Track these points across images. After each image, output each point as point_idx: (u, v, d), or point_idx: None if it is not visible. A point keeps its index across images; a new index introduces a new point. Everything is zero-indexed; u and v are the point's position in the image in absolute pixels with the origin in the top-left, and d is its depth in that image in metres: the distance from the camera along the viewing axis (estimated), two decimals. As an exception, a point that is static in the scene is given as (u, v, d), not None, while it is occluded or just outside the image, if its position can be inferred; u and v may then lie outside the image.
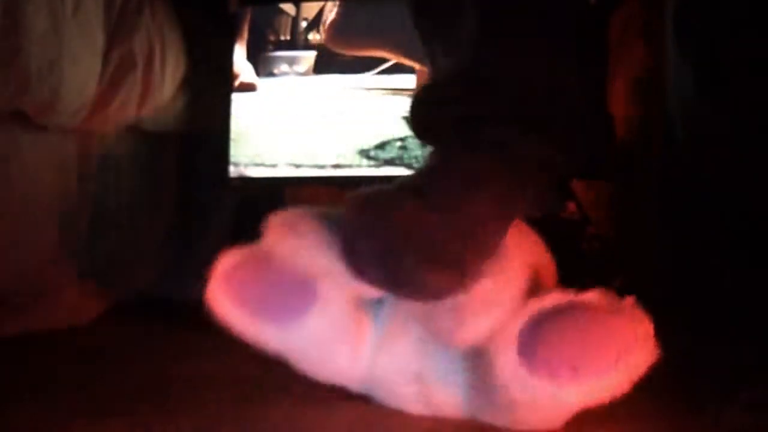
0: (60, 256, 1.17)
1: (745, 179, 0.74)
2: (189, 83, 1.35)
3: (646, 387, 0.69)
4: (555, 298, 0.59)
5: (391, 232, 0.58)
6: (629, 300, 0.59)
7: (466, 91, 0.70)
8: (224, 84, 1.38)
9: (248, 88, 1.42)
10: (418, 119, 0.76)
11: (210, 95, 1.40)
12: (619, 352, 0.56)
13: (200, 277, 1.57)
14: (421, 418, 0.68)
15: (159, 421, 0.69)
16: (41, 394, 0.80)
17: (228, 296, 0.67)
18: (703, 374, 0.71)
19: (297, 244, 0.64)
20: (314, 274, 0.64)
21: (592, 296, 0.59)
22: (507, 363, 0.56)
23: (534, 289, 0.63)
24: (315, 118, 1.37)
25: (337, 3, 1.41)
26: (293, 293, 0.65)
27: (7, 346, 1.01)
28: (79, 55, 1.06)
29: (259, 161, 1.38)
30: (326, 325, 0.64)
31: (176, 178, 1.44)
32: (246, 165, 1.38)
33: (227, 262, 0.67)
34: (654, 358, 0.57)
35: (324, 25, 1.41)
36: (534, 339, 0.56)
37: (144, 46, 1.21)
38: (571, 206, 1.35)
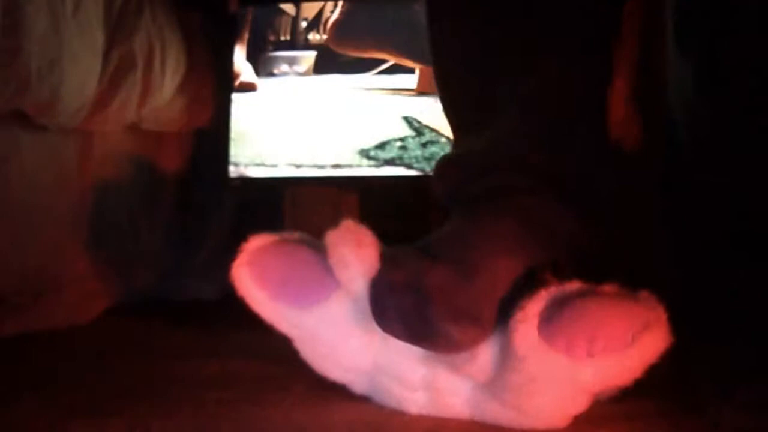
0: (60, 256, 1.17)
1: (745, 179, 0.74)
2: (189, 83, 1.35)
3: (646, 387, 0.69)
4: (575, 284, 0.62)
5: (419, 296, 0.62)
6: (644, 292, 0.61)
7: (503, 165, 0.70)
8: (224, 84, 1.38)
9: (248, 88, 1.42)
10: (447, 184, 0.75)
11: (210, 95, 1.40)
12: (634, 332, 0.58)
13: (200, 277, 1.58)
14: (421, 418, 0.68)
15: (159, 421, 0.69)
16: (41, 393, 0.80)
17: (252, 276, 0.69)
18: (703, 374, 0.71)
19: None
20: (337, 264, 0.66)
21: (608, 287, 0.61)
22: (526, 336, 0.58)
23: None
24: (315, 118, 1.37)
25: (338, 3, 1.42)
26: (315, 279, 0.68)
27: (7, 345, 1.01)
28: (79, 55, 1.06)
29: (259, 161, 1.38)
30: (343, 312, 0.66)
31: (176, 178, 1.44)
32: (246, 165, 1.38)
33: (254, 244, 0.68)
34: (666, 344, 0.59)
35: (325, 26, 1.41)
36: (553, 316, 0.58)
37: (144, 46, 1.21)
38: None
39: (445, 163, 0.79)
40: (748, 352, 0.70)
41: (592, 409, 0.68)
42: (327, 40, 1.38)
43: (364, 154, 1.32)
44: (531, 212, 0.67)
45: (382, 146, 1.31)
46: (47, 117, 1.06)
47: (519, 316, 0.59)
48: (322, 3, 1.42)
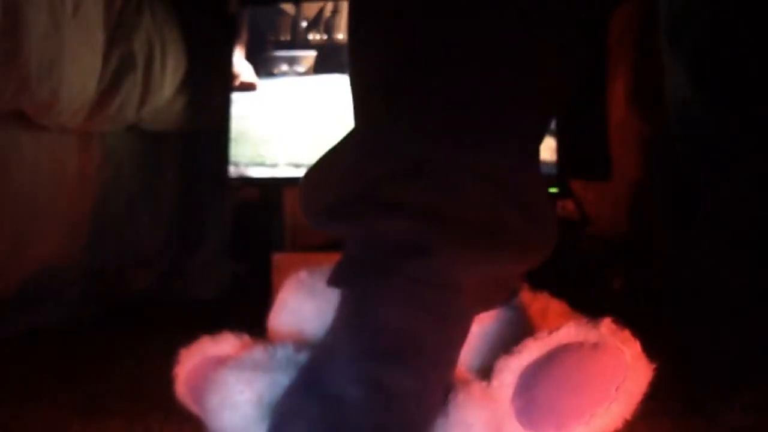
0: (60, 256, 1.17)
1: (744, 179, 0.74)
2: (189, 83, 1.35)
3: (646, 387, 0.69)
4: (535, 347, 0.56)
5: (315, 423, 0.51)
6: (607, 325, 0.57)
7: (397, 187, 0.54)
8: (224, 84, 1.38)
9: (248, 87, 1.42)
10: (310, 211, 0.61)
11: (210, 95, 1.40)
12: (617, 386, 0.56)
13: (200, 277, 1.58)
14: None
15: (159, 421, 0.69)
16: (42, 393, 0.80)
17: (184, 391, 0.67)
18: (703, 374, 0.71)
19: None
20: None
21: (569, 333, 0.57)
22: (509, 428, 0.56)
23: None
24: (315, 117, 1.37)
25: (338, 4, 1.41)
26: None
27: (9, 345, 1.01)
28: (79, 55, 1.06)
29: (259, 161, 1.38)
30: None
31: (176, 178, 1.44)
32: (246, 165, 1.38)
33: (187, 362, 0.68)
34: (649, 374, 0.57)
35: (325, 26, 1.41)
36: (526, 400, 0.55)
37: (144, 46, 1.21)
38: (571, 206, 1.35)
39: (309, 176, 0.64)
40: (748, 351, 0.69)
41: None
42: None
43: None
44: (443, 302, 0.54)
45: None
46: (47, 117, 1.06)
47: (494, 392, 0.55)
48: (322, 3, 1.41)
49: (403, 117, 0.58)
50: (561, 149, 1.27)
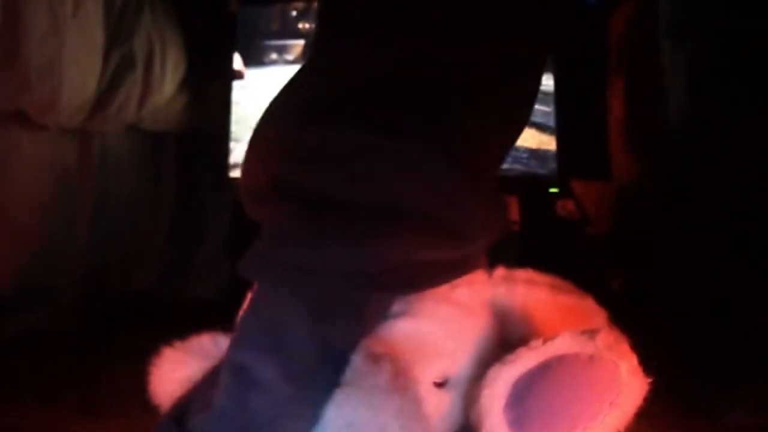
0: (60, 256, 1.17)
1: (743, 179, 0.74)
2: (189, 83, 1.35)
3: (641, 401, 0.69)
4: (529, 357, 0.55)
5: None
6: (603, 337, 0.55)
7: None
8: (224, 84, 1.38)
9: (236, 76, 1.42)
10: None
11: (210, 95, 1.40)
12: (611, 401, 0.55)
13: (200, 277, 1.57)
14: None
15: (159, 421, 0.69)
16: (41, 394, 0.80)
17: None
18: (703, 374, 0.71)
19: None
20: None
21: (564, 344, 0.54)
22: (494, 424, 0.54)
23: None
24: None
25: None
26: None
27: (8, 346, 1.01)
28: (79, 54, 1.06)
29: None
30: None
31: (176, 178, 1.44)
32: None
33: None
34: (643, 392, 0.55)
35: (314, 15, 1.40)
36: (519, 413, 0.54)
37: (144, 46, 1.21)
38: (571, 206, 1.35)
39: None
40: (748, 351, 0.69)
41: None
42: None
43: None
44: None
45: None
46: (47, 117, 1.06)
47: (486, 420, 0.53)
48: None
49: (312, 98, 0.57)
50: (561, 149, 1.27)
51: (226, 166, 1.37)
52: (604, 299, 0.73)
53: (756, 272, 0.72)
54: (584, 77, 1.34)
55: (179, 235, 1.44)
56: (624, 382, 0.54)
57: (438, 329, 0.58)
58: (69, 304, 1.20)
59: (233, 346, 0.55)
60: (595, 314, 0.61)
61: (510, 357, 0.55)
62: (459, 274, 0.59)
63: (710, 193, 0.78)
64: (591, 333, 0.55)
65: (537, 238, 1.28)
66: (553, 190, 1.28)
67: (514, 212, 1.31)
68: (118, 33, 1.16)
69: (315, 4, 1.42)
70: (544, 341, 0.55)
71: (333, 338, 0.53)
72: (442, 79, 0.56)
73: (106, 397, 0.79)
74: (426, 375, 0.56)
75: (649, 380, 0.55)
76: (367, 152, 0.53)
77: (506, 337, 0.62)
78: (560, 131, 1.28)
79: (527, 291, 0.63)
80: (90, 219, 1.22)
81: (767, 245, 0.72)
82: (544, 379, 0.54)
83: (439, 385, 0.57)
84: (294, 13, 1.42)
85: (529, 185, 1.29)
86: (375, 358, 0.53)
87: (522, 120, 0.63)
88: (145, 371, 0.91)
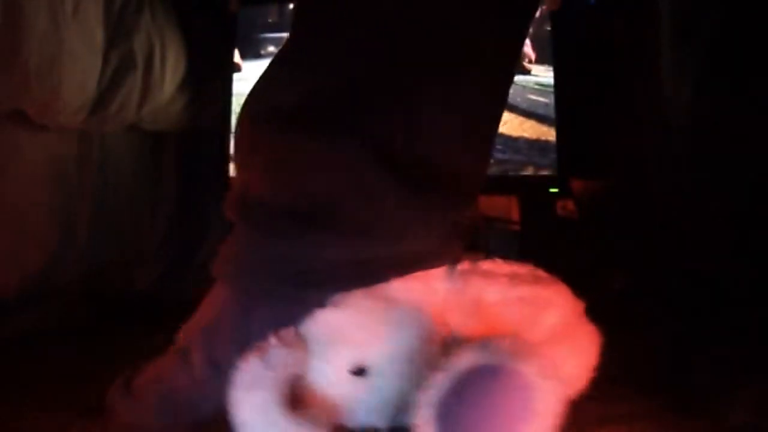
0: (60, 256, 1.17)
1: (743, 180, 0.74)
2: (189, 83, 1.35)
3: (647, 387, 0.69)
4: (443, 379, 0.55)
5: None
6: (504, 346, 0.55)
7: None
8: (224, 84, 1.38)
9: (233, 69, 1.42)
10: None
11: (210, 95, 1.40)
12: (523, 414, 0.53)
13: (200, 277, 1.57)
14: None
15: (159, 421, 0.69)
16: (41, 393, 0.80)
17: None
18: (703, 374, 0.71)
19: None
20: None
21: (468, 359, 0.55)
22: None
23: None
24: None
25: None
26: None
27: (8, 346, 1.01)
28: (79, 54, 1.06)
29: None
30: None
31: (176, 178, 1.44)
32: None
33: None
34: (558, 394, 0.54)
35: None
36: (447, 423, 0.54)
37: (144, 46, 1.21)
38: (571, 206, 1.35)
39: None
40: (748, 351, 0.70)
41: (594, 409, 0.69)
42: None
43: None
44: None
45: None
46: (47, 117, 1.06)
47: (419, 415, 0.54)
48: None
49: (271, 102, 0.63)
50: (561, 149, 1.27)
51: (226, 166, 1.37)
52: (604, 299, 0.73)
53: (756, 272, 0.72)
54: (584, 77, 1.34)
55: (179, 235, 1.44)
56: (532, 387, 0.53)
57: (353, 320, 0.60)
58: (69, 304, 1.20)
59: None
60: (551, 304, 0.61)
61: (428, 382, 0.55)
62: (397, 273, 0.60)
63: (710, 194, 0.78)
64: (492, 343, 0.55)
65: (537, 238, 1.28)
66: (553, 190, 1.28)
67: (515, 212, 1.31)
68: (118, 33, 1.16)
69: None
70: (451, 361, 0.55)
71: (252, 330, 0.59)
72: (392, 82, 0.60)
73: (106, 397, 0.79)
74: (336, 360, 0.59)
75: (561, 384, 0.54)
76: (300, 155, 0.58)
77: (457, 332, 0.62)
78: (560, 131, 1.28)
79: (482, 284, 0.63)
80: (90, 219, 1.22)
81: (767, 245, 0.72)
82: (461, 398, 0.54)
83: (356, 373, 0.59)
84: (291, 5, 1.42)
85: (529, 185, 1.29)
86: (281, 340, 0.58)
87: (483, 125, 0.66)
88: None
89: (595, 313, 0.67)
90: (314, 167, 0.58)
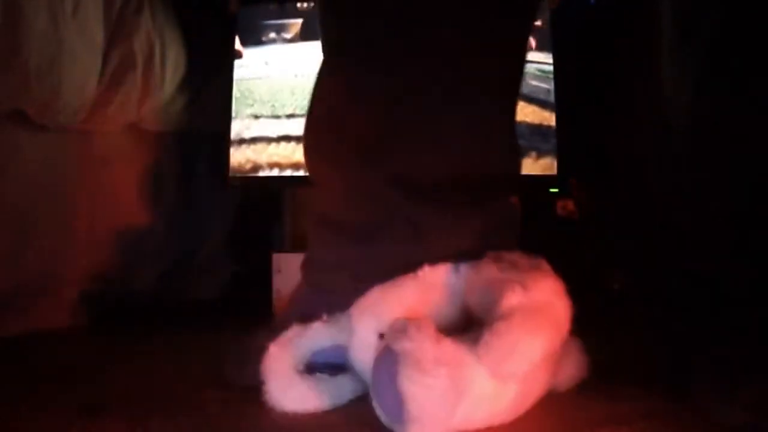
0: (60, 256, 1.17)
1: (744, 179, 0.74)
2: (189, 83, 1.35)
3: (647, 387, 0.69)
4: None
5: None
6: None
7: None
8: (224, 84, 1.38)
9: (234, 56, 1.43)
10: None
11: (210, 95, 1.40)
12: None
13: (200, 277, 1.57)
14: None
15: (159, 421, 0.69)
16: (41, 393, 0.80)
17: None
18: (702, 374, 0.71)
19: None
20: None
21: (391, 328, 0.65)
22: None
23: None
24: (301, 82, 1.37)
25: None
26: None
27: (8, 346, 1.01)
28: (78, 54, 1.06)
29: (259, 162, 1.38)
30: None
31: (176, 178, 1.44)
32: (246, 164, 1.38)
33: None
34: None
35: None
36: (373, 388, 0.65)
37: (144, 46, 1.21)
38: (571, 206, 1.35)
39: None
40: (747, 352, 0.70)
41: (593, 409, 0.69)
42: None
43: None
44: None
45: None
46: (47, 116, 1.06)
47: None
48: None
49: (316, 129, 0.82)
50: (561, 149, 1.27)
51: (226, 166, 1.37)
52: (604, 299, 0.73)
53: (756, 272, 0.72)
54: (584, 77, 1.34)
55: (180, 235, 1.44)
56: (398, 362, 0.62)
57: (378, 297, 0.74)
58: (69, 304, 1.20)
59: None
60: (519, 289, 0.67)
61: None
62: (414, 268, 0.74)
63: (710, 194, 0.78)
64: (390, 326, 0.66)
65: (537, 238, 1.28)
66: (553, 190, 1.28)
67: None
68: (118, 33, 1.16)
69: None
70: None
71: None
72: (413, 113, 0.76)
73: (106, 397, 0.79)
74: (366, 325, 0.72)
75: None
76: (350, 184, 0.78)
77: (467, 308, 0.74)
78: (560, 131, 1.28)
79: (482, 268, 0.73)
80: (90, 219, 1.21)
81: (766, 246, 0.72)
82: (380, 364, 0.65)
83: (381, 336, 0.68)
84: (290, 3, 1.42)
85: (529, 185, 1.29)
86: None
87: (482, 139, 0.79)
88: (144, 371, 0.91)
89: (595, 313, 0.67)
90: (359, 197, 0.78)
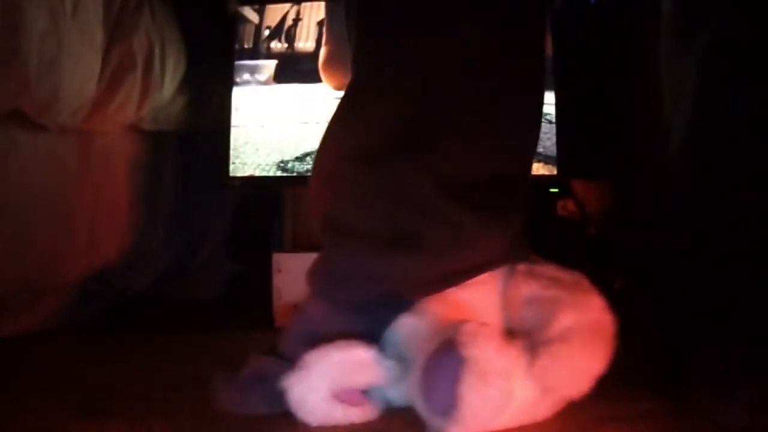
0: (60, 256, 1.17)
1: (744, 179, 0.74)
2: (189, 83, 1.34)
3: (647, 387, 0.69)
4: (436, 340, 0.66)
5: None
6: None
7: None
8: (224, 84, 1.38)
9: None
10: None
11: (210, 95, 1.40)
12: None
13: (200, 277, 1.57)
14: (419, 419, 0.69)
15: (159, 421, 0.69)
16: (41, 393, 0.80)
17: None
18: (703, 374, 0.71)
19: None
20: None
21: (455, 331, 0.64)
22: (416, 403, 0.66)
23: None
24: (276, 126, 1.35)
25: (300, 10, 1.40)
26: None
27: (7, 346, 1.01)
28: (78, 54, 1.06)
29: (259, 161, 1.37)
30: None
31: (176, 178, 1.44)
32: (246, 165, 1.38)
33: None
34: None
35: (287, 35, 1.39)
36: (423, 383, 0.65)
37: (144, 46, 1.21)
38: (571, 206, 1.35)
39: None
40: (748, 351, 0.69)
41: (594, 409, 0.69)
42: (323, 77, 1.36)
43: (281, 166, 1.30)
44: None
45: (302, 158, 1.30)
46: (47, 116, 1.06)
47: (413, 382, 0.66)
48: (285, 10, 1.40)
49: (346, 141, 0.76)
50: (561, 149, 1.27)
51: (226, 166, 1.37)
52: (604, 299, 0.72)
53: (755, 272, 0.72)
54: (584, 77, 1.34)
55: (179, 236, 1.44)
56: (467, 361, 0.62)
57: (425, 325, 0.71)
58: (69, 304, 1.20)
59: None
60: (569, 309, 0.69)
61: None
62: (468, 278, 0.73)
63: (710, 194, 0.77)
64: (450, 328, 0.66)
65: (537, 238, 1.28)
66: (553, 190, 1.28)
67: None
68: (117, 33, 1.16)
69: (286, 24, 1.41)
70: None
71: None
72: (444, 121, 0.73)
73: (106, 397, 0.79)
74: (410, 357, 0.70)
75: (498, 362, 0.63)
76: (379, 190, 0.72)
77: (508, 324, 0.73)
78: (560, 131, 1.28)
79: (523, 284, 0.73)
80: (90, 219, 1.21)
81: (766, 245, 0.72)
82: (431, 367, 0.65)
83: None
84: (267, 32, 1.41)
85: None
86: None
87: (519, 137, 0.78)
88: (144, 371, 0.91)
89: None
90: (393, 201, 0.72)
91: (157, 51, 1.24)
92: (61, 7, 1.02)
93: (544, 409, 0.68)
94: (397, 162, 0.72)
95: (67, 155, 1.17)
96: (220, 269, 1.52)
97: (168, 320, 1.26)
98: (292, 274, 1.21)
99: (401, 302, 0.72)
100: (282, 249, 1.30)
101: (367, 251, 0.73)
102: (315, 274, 0.77)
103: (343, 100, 0.79)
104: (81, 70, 1.08)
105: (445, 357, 0.63)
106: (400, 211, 0.72)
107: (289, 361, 0.70)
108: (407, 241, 0.72)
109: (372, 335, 0.72)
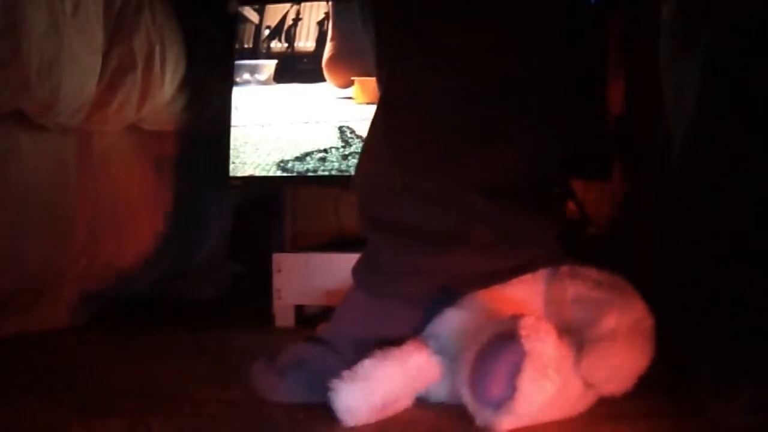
0: (60, 256, 1.17)
1: (744, 179, 0.73)
2: (189, 83, 1.35)
3: (647, 387, 0.69)
4: (491, 331, 0.66)
5: None
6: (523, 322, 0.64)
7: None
8: (224, 84, 1.38)
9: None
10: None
11: (210, 95, 1.40)
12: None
13: (200, 277, 1.57)
14: (420, 419, 0.69)
15: (159, 420, 0.69)
16: (42, 393, 0.80)
17: None
18: (703, 374, 0.71)
19: None
20: None
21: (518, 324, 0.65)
22: (465, 393, 0.67)
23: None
24: (276, 126, 1.35)
25: (300, 11, 1.39)
26: None
27: (7, 346, 1.02)
28: (78, 54, 1.06)
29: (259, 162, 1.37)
30: None
31: (176, 178, 1.44)
32: (246, 164, 1.38)
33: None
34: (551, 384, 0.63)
35: (287, 35, 1.39)
36: (476, 373, 0.65)
37: (144, 46, 1.21)
38: (571, 206, 1.35)
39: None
40: (748, 352, 0.69)
41: (595, 409, 0.69)
42: (327, 76, 1.35)
43: (281, 166, 1.30)
44: None
45: (302, 158, 1.31)
46: (47, 117, 1.06)
47: (461, 373, 0.67)
48: (285, 10, 1.40)
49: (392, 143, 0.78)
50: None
51: (226, 166, 1.37)
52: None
53: (755, 272, 0.72)
54: (584, 77, 1.34)
55: (179, 236, 1.44)
56: (526, 351, 0.63)
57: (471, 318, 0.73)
58: (69, 304, 1.20)
59: None
60: (614, 310, 0.70)
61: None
62: (513, 276, 0.75)
63: (710, 195, 0.77)
64: (505, 319, 0.66)
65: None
66: (553, 190, 1.28)
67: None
68: (117, 33, 1.16)
69: (285, 24, 1.41)
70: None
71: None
72: (484, 130, 0.75)
73: (106, 397, 0.79)
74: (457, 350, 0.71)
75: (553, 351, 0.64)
76: (430, 194, 0.75)
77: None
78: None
79: (569, 285, 0.74)
80: (90, 219, 1.22)
81: (766, 246, 0.72)
82: (484, 356, 0.66)
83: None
84: (267, 32, 1.41)
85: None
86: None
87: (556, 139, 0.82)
88: (144, 371, 0.91)
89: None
90: (441, 203, 0.75)
91: (157, 51, 1.24)
92: (61, 8, 1.02)
93: (583, 405, 0.69)
94: (442, 164, 0.75)
95: (67, 155, 1.17)
96: (220, 269, 1.52)
97: (168, 320, 1.26)
98: (292, 274, 1.21)
99: (448, 295, 0.74)
100: (282, 249, 1.31)
101: (418, 249, 0.76)
102: (362, 270, 0.80)
103: (384, 102, 0.81)
104: (81, 70, 1.08)
105: (504, 348, 0.63)
106: (448, 213, 0.75)
107: (333, 350, 0.74)
108: (456, 239, 0.75)
109: (417, 328, 0.74)
